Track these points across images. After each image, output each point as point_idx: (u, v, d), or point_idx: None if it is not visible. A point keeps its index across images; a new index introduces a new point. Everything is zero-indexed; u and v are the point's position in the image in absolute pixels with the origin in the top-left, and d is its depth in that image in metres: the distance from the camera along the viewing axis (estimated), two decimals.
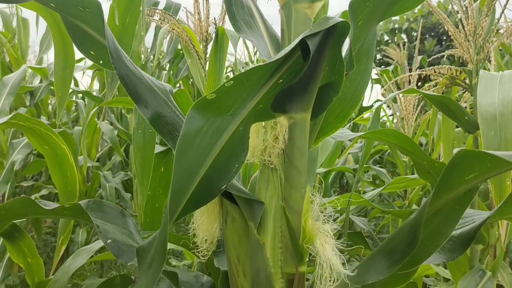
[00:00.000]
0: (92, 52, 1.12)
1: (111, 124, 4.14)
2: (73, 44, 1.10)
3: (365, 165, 3.10)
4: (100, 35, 1.08)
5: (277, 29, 1.17)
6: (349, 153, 3.70)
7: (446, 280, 2.17)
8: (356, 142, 3.53)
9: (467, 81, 1.79)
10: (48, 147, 1.62)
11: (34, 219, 3.82)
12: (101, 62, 1.13)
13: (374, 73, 7.55)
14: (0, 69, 3.37)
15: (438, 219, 0.82)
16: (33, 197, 2.91)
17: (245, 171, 1.67)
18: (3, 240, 2.82)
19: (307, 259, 0.96)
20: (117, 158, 4.57)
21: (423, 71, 1.82)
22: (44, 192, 3.77)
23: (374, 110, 1.70)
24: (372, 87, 6.70)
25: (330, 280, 0.87)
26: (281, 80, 0.92)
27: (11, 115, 1.43)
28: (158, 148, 1.50)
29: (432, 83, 1.93)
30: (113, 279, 1.35)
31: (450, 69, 1.79)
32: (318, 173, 2.46)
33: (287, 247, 0.96)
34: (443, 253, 0.90)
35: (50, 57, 6.34)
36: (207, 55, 1.89)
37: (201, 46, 1.89)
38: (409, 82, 2.76)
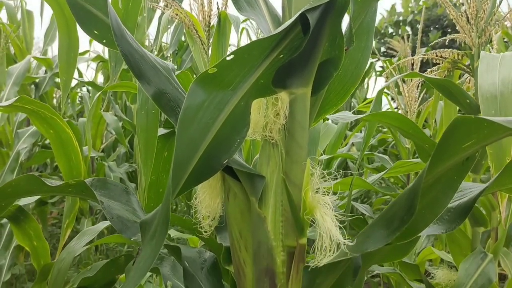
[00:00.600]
0: (95, 31, 1.13)
1: (116, 115, 4.17)
2: (77, 23, 1.11)
3: (368, 153, 3.11)
4: (103, 14, 1.10)
5: (278, 9, 1.18)
6: (352, 144, 3.71)
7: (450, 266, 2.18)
8: (359, 131, 3.54)
9: (470, 65, 1.80)
10: (53, 131, 1.63)
11: (40, 210, 3.85)
12: (104, 41, 1.14)
13: (379, 65, 7.54)
14: (5, 60, 3.39)
15: (437, 189, 0.83)
16: None
17: (248, 153, 1.69)
18: (10, 226, 2.86)
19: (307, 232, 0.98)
20: (121, 149, 4.60)
21: (425, 55, 1.83)
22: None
23: (376, 94, 1.70)
24: (376, 80, 6.70)
25: (330, 250, 0.88)
26: (281, 55, 0.93)
27: (15, 98, 1.44)
28: (161, 131, 1.51)
29: (434, 68, 1.93)
30: (118, 259, 1.37)
31: (452, 53, 1.79)
32: (321, 160, 2.47)
33: (288, 220, 0.98)
34: (442, 224, 0.91)
35: (54, 50, 6.36)
36: (210, 41, 1.90)
37: (204, 32, 1.90)
38: (412, 68, 2.78)
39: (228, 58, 0.87)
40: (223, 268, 1.20)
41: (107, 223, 1.63)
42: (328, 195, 0.92)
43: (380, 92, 1.73)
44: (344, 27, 0.98)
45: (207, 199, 1.08)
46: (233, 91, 0.92)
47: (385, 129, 4.10)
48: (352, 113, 1.82)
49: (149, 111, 1.37)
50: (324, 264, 0.89)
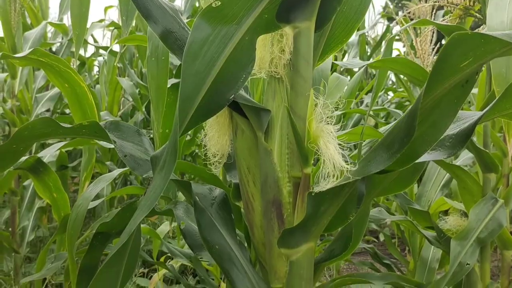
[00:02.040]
0: None
1: (132, 81, 4.20)
2: None
3: (380, 108, 3.10)
4: None
5: None
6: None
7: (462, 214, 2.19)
8: (370, 89, 3.51)
9: (481, 11, 1.78)
10: (68, 85, 1.67)
11: (60, 175, 3.94)
12: None
13: (397, 29, 7.43)
14: (21, 26, 3.43)
15: (436, 113, 0.84)
16: (57, 152, 3.01)
17: (260, 97, 1.70)
18: (32, 188, 2.95)
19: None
20: (139, 116, 4.65)
21: (436, 1, 1.81)
22: (69, 147, 3.88)
23: (386, 42, 1.70)
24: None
25: (333, 176, 0.91)
26: None
27: (30, 50, 1.48)
28: (172, 81, 1.54)
29: (446, 17, 1.92)
30: (132, 204, 1.41)
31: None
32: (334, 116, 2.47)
33: (293, 152, 1.01)
34: (444, 150, 0.92)
35: (70, 19, 6.40)
36: None
37: None
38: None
39: None
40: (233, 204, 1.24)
41: (120, 170, 1.67)
42: (331, 124, 0.94)
43: (391, 40, 1.73)
44: None
45: (216, 136, 1.11)
46: (237, 25, 0.94)
47: (401, 89, 4.07)
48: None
49: (159, 57, 1.40)
50: (328, 191, 0.91)
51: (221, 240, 1.06)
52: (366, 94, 3.99)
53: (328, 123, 0.94)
